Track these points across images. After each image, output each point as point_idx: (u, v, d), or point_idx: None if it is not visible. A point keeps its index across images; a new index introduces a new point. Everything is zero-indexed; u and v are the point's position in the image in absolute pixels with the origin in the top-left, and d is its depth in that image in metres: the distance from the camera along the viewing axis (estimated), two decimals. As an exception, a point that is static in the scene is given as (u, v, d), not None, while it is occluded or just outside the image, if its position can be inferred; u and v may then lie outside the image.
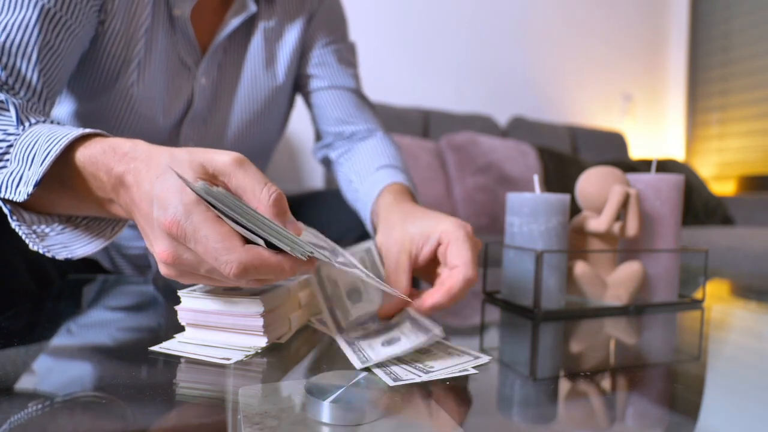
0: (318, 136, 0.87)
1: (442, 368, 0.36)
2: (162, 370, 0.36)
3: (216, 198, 0.33)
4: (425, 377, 0.34)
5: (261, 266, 0.33)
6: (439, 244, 0.48)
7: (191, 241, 0.33)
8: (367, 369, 0.35)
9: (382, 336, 0.40)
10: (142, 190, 0.36)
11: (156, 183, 0.35)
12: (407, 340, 0.38)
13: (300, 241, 0.34)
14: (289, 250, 0.33)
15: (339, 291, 0.48)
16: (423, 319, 0.40)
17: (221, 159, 0.36)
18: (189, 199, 0.33)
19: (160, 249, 0.35)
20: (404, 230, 0.50)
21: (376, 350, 0.38)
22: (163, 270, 0.37)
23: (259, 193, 0.35)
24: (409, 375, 0.34)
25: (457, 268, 0.45)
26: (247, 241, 0.34)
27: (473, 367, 0.36)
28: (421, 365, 0.36)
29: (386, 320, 0.46)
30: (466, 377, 0.35)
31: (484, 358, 0.38)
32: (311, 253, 0.33)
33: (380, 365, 0.36)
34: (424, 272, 0.51)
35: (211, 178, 0.36)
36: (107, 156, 0.40)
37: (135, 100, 0.67)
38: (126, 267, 0.80)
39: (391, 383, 0.32)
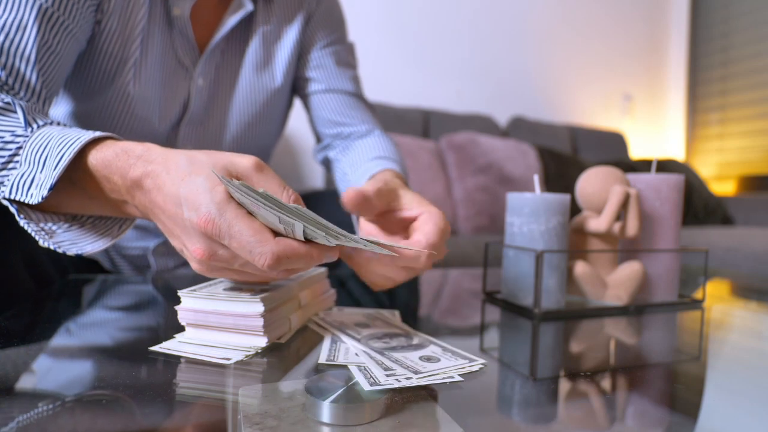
0: (317, 139, 0.87)
1: (429, 373, 0.34)
2: (162, 370, 0.36)
3: (255, 192, 0.34)
4: (405, 383, 0.32)
5: (292, 255, 0.35)
6: (418, 216, 0.48)
7: (226, 237, 0.34)
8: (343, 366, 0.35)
9: (414, 351, 0.39)
10: (165, 192, 0.37)
11: (182, 185, 0.36)
12: (447, 360, 0.37)
13: (332, 226, 0.36)
14: (324, 235, 0.34)
15: (347, 323, 0.48)
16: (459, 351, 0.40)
17: (242, 163, 0.38)
18: (220, 197, 0.35)
19: (195, 247, 0.36)
20: (395, 189, 0.51)
21: (416, 363, 0.36)
22: (196, 266, 0.38)
23: (279, 196, 0.37)
24: (388, 381, 0.32)
25: (422, 233, 0.45)
26: (277, 235, 0.35)
27: (460, 375, 0.34)
28: (408, 366, 0.35)
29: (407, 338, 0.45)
30: (468, 376, 0.35)
31: (475, 366, 0.36)
32: (342, 237, 0.35)
33: (368, 362, 0.36)
34: (383, 220, 0.51)
35: None
36: (120, 159, 0.41)
37: (132, 100, 0.67)
38: (126, 267, 0.80)
39: (367, 387, 0.31)
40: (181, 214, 0.36)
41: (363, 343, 0.40)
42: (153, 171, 0.39)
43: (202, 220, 0.34)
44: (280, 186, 0.38)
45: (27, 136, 0.46)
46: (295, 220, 0.34)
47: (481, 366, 0.36)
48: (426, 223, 0.47)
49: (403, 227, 0.51)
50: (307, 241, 0.36)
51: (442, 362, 0.36)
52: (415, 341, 0.41)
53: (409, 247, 0.40)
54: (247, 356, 0.37)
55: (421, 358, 0.37)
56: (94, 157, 0.42)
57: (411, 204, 0.50)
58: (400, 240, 0.48)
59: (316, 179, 2.17)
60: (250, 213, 0.35)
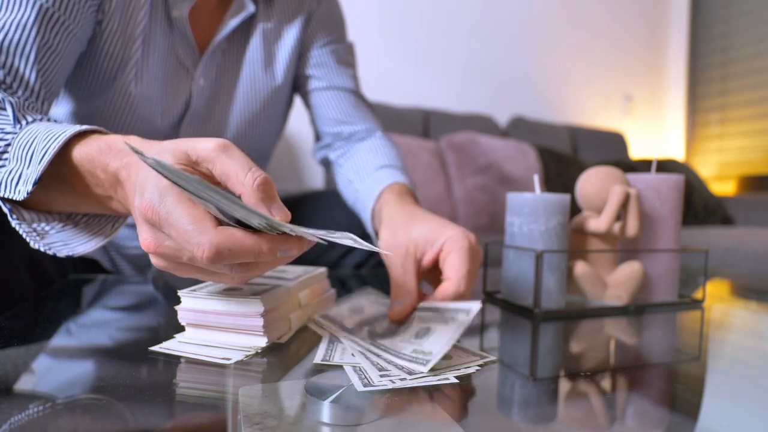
0: (317, 137, 0.87)
1: (423, 375, 0.34)
2: (162, 370, 0.36)
3: (170, 171, 0.29)
4: (399, 384, 0.32)
5: (235, 247, 0.31)
6: (440, 251, 0.48)
7: (165, 225, 0.32)
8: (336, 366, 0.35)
9: (407, 331, 0.39)
10: (132, 183, 0.36)
11: (141, 171, 0.35)
12: (446, 328, 0.37)
13: (274, 220, 0.31)
14: (263, 224, 0.30)
15: (341, 312, 0.48)
16: (445, 305, 0.40)
17: (204, 146, 0.34)
18: (165, 182, 0.32)
19: (142, 238, 0.34)
20: (409, 234, 0.50)
21: (428, 343, 0.36)
22: (154, 261, 0.35)
23: (242, 178, 0.33)
24: (382, 381, 0.32)
25: (449, 281, 0.45)
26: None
27: (456, 377, 0.34)
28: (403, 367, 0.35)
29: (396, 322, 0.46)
30: (468, 376, 0.35)
31: (472, 368, 0.36)
32: (286, 229, 0.31)
33: (364, 360, 0.36)
34: (427, 276, 0.51)
35: (194, 165, 0.35)
36: (103, 153, 0.40)
37: (133, 100, 0.67)
38: (126, 267, 0.80)
39: (361, 388, 0.31)
40: (135, 202, 0.34)
41: (369, 342, 0.40)
42: (128, 162, 0.38)
43: (144, 206, 0.32)
44: (245, 167, 0.33)
45: (15, 133, 0.45)
46: (222, 209, 0.29)
47: (492, 360, 0.37)
48: (450, 254, 0.46)
49: (435, 264, 0.50)
50: (257, 231, 0.31)
51: (453, 360, 0.37)
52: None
53: (381, 250, 0.40)
54: (247, 356, 0.37)
55: (417, 335, 0.37)
56: (78, 152, 0.42)
57: (428, 240, 0.49)
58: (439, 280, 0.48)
59: (316, 179, 2.17)
60: (192, 200, 0.32)
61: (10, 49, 0.53)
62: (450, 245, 0.47)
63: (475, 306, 0.37)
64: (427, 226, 0.50)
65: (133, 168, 0.37)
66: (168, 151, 0.35)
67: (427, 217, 0.52)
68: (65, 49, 0.58)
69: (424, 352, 0.36)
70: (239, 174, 0.33)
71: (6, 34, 0.53)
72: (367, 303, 0.54)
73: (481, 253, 0.49)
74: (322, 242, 0.33)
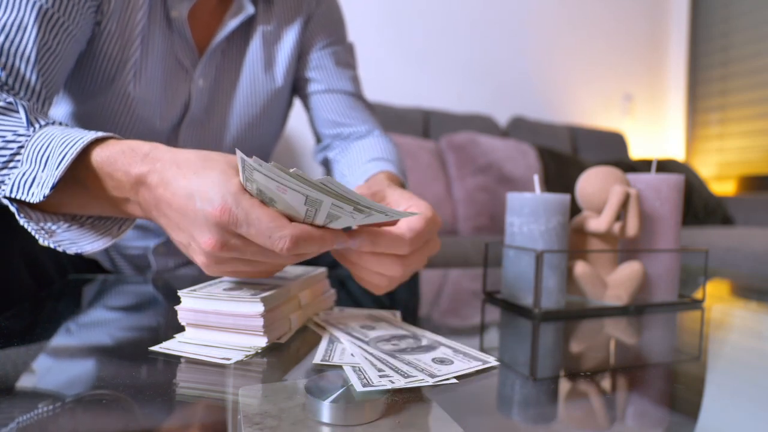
0: (317, 139, 0.87)
1: (421, 377, 0.34)
2: (162, 370, 0.36)
3: (288, 173, 0.34)
4: (398, 384, 0.31)
5: (308, 238, 0.36)
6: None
7: (243, 225, 0.35)
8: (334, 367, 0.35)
9: (426, 353, 0.39)
10: (174, 186, 0.38)
11: (194, 178, 0.37)
12: (460, 362, 0.37)
13: (361, 198, 0.35)
14: (351, 210, 0.36)
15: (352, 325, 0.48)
16: (469, 350, 0.40)
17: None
18: (235, 188, 0.36)
19: (206, 239, 0.37)
20: (382, 195, 0.50)
21: (431, 366, 0.36)
22: (202, 260, 0.39)
23: None
24: (381, 382, 0.32)
25: (397, 227, 0.43)
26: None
27: (456, 377, 0.34)
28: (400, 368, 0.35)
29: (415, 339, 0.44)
30: (468, 376, 0.35)
31: (488, 366, 0.37)
32: (371, 207, 0.36)
33: (366, 361, 0.36)
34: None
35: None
36: (126, 156, 0.42)
37: (132, 101, 0.67)
38: (126, 267, 0.80)
39: (360, 388, 0.30)
40: (192, 206, 0.37)
41: (372, 346, 0.39)
42: (160, 167, 0.40)
43: (218, 210, 0.35)
44: None
45: (29, 136, 0.46)
46: (323, 196, 0.34)
47: (492, 366, 0.37)
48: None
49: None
50: (321, 226, 0.38)
51: (455, 364, 0.36)
52: (424, 342, 0.41)
53: (395, 212, 0.38)
54: (247, 356, 0.37)
55: (434, 360, 0.37)
56: (99, 155, 0.43)
57: (397, 201, 0.48)
58: None
59: (316, 179, 2.17)
60: (264, 203, 0.36)
61: (11, 50, 0.53)
62: (413, 209, 0.45)
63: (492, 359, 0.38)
64: (400, 193, 0.49)
65: (170, 173, 0.39)
66: (220, 161, 0.39)
67: (401, 189, 0.51)
68: (64, 49, 0.58)
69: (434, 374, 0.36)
70: None
71: (6, 36, 0.53)
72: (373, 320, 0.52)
73: (438, 244, 0.47)
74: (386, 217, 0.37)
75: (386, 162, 0.73)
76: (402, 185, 0.65)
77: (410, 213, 0.38)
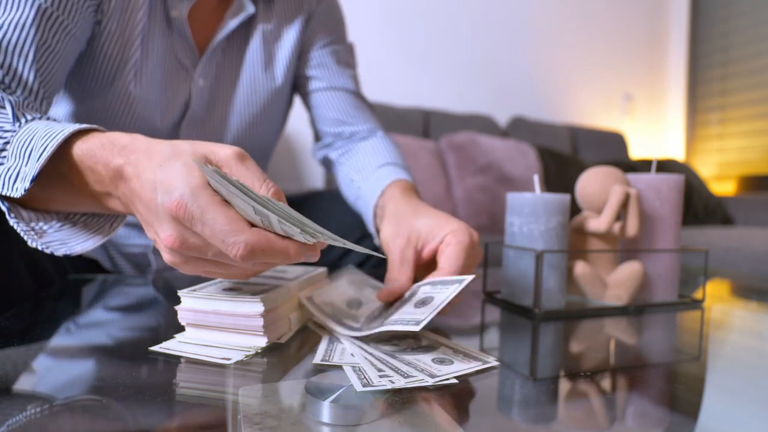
0: (317, 137, 0.87)
1: (420, 377, 0.34)
2: (162, 370, 0.36)
3: (229, 181, 0.33)
4: (398, 384, 0.31)
5: (267, 248, 0.33)
6: (440, 243, 0.48)
7: (198, 224, 0.33)
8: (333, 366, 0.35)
9: (426, 353, 0.39)
10: (143, 179, 0.37)
11: (159, 170, 0.35)
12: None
13: (309, 222, 0.34)
14: (299, 231, 0.33)
15: (338, 307, 0.48)
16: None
17: (223, 152, 0.37)
18: (196, 182, 0.33)
19: (165, 234, 0.35)
20: (412, 224, 0.50)
21: (414, 313, 0.37)
22: (168, 257, 0.37)
23: (258, 189, 0.36)
24: (381, 382, 0.32)
25: (441, 271, 0.45)
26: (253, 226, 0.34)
27: (456, 377, 0.34)
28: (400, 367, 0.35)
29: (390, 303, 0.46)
30: (468, 376, 0.35)
31: (488, 366, 0.37)
32: (319, 234, 0.34)
33: (368, 359, 0.36)
34: (426, 271, 0.51)
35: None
36: (106, 149, 0.40)
37: (133, 100, 0.67)
38: (126, 266, 0.80)
39: (360, 388, 0.30)
40: (155, 199, 0.35)
41: (372, 346, 0.40)
42: (135, 159, 0.38)
43: (174, 204, 0.33)
44: (260, 178, 0.36)
45: (15, 131, 0.45)
46: (269, 212, 0.32)
47: (492, 366, 0.37)
48: (449, 249, 0.46)
49: (433, 257, 0.50)
50: (285, 236, 0.35)
51: (456, 364, 0.36)
52: (424, 342, 0.41)
53: (378, 254, 0.39)
54: (247, 356, 0.37)
55: (434, 360, 0.37)
56: (80, 148, 0.42)
57: (430, 232, 0.49)
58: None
59: (316, 179, 2.17)
60: (226, 201, 0.34)
61: (9, 48, 0.53)
62: (450, 238, 0.47)
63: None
64: (430, 218, 0.50)
65: (143, 164, 0.37)
66: (186, 152, 0.36)
67: (432, 210, 0.52)
68: (64, 49, 0.58)
69: (417, 318, 0.37)
70: (255, 184, 0.36)
71: (5, 34, 0.53)
72: (357, 289, 0.53)
73: (481, 253, 0.49)
74: (341, 246, 0.35)
75: (398, 167, 0.73)
76: (417, 194, 0.65)
77: (375, 253, 0.36)
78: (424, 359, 0.37)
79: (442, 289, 0.41)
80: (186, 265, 0.37)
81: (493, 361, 0.37)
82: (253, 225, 0.34)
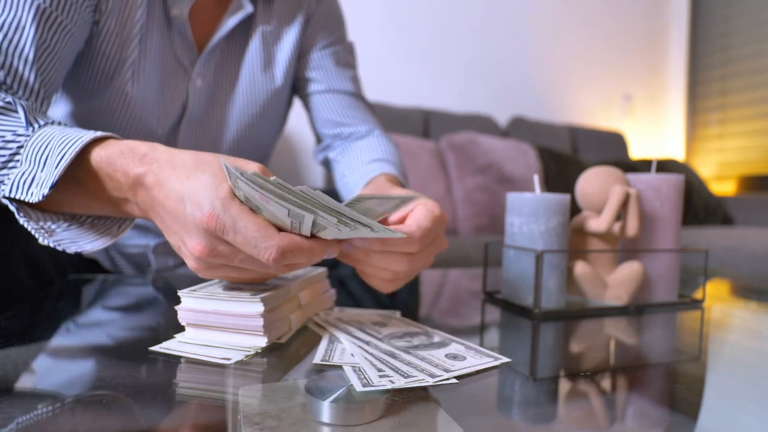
0: (317, 139, 0.87)
1: (421, 377, 0.34)
2: (162, 370, 0.36)
3: (267, 181, 0.34)
4: (398, 384, 0.31)
5: (296, 249, 0.35)
6: (410, 211, 0.46)
7: (230, 233, 0.35)
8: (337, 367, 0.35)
9: (439, 349, 0.39)
10: (168, 188, 0.38)
11: (186, 181, 0.37)
12: (472, 358, 0.38)
13: (345, 211, 0.35)
14: (335, 222, 0.35)
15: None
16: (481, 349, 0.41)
17: (248, 167, 0.38)
18: (224, 194, 0.35)
19: (194, 243, 0.36)
20: (387, 193, 0.49)
21: (444, 363, 0.37)
22: (192, 264, 0.39)
23: None
24: (381, 382, 0.32)
25: (405, 227, 0.43)
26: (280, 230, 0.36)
27: (456, 377, 0.34)
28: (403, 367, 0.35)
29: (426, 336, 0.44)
30: (468, 376, 0.35)
31: (499, 363, 0.38)
32: (357, 221, 0.35)
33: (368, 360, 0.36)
34: None
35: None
36: (125, 157, 0.42)
37: (130, 100, 0.67)
38: (126, 266, 0.80)
39: (360, 387, 0.30)
40: (183, 210, 0.37)
41: (386, 342, 0.40)
42: (157, 168, 0.40)
43: (206, 216, 0.35)
44: None
45: (28, 136, 0.46)
46: (305, 212, 0.34)
47: (504, 363, 0.37)
48: (418, 211, 0.45)
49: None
50: (310, 236, 0.37)
51: (468, 360, 0.37)
52: (436, 339, 0.42)
53: (399, 232, 0.38)
54: (247, 356, 0.37)
55: (447, 356, 0.37)
56: (98, 155, 0.43)
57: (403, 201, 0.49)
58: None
59: (316, 179, 2.17)
60: (253, 210, 0.36)
61: (9, 49, 0.53)
62: (420, 207, 0.46)
63: (398, 234, 0.37)
64: (404, 191, 0.50)
65: (166, 174, 0.39)
66: (213, 164, 0.38)
67: (404, 190, 0.52)
68: (63, 48, 0.58)
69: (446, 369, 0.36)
70: None
71: (5, 35, 0.53)
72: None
73: (446, 241, 0.48)
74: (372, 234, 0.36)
75: (386, 163, 0.73)
76: (402, 186, 0.66)
77: (398, 234, 0.36)
78: (438, 354, 0.38)
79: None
80: (208, 270, 0.39)
81: (504, 359, 0.38)
82: (280, 230, 0.36)
